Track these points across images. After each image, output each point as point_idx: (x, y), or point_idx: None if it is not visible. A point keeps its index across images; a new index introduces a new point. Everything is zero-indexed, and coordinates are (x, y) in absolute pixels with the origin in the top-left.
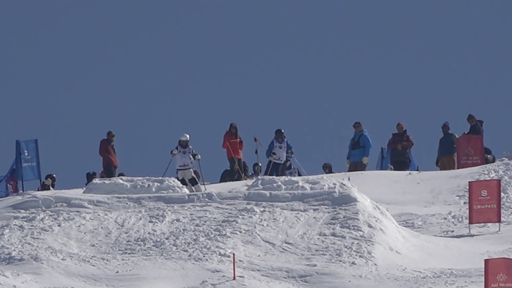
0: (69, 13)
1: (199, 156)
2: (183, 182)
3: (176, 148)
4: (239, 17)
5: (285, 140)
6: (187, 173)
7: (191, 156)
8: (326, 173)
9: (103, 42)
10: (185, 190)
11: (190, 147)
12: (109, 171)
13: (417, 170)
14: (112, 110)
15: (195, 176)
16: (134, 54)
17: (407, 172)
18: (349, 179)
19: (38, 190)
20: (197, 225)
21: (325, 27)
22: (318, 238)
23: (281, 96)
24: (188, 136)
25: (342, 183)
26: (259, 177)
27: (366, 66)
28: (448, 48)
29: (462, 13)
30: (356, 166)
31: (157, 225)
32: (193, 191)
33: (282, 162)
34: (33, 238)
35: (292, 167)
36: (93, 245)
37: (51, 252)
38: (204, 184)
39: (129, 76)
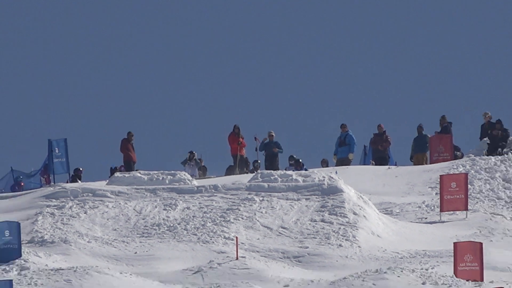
0: (100, 20)
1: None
2: None
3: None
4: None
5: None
6: None
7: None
8: (323, 167)
9: (118, 51)
10: (195, 182)
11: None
12: (128, 166)
13: (395, 165)
14: (131, 113)
15: None
16: (149, 63)
17: (386, 167)
18: (336, 172)
19: (67, 182)
20: (204, 212)
21: (312, 35)
22: (309, 224)
23: (278, 100)
24: None
25: (330, 176)
26: (259, 171)
27: (353, 76)
28: (422, 59)
29: (436, 26)
30: (343, 161)
31: (170, 212)
32: None
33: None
34: (63, 223)
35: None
36: (115, 230)
37: (78, 236)
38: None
39: (146, 84)
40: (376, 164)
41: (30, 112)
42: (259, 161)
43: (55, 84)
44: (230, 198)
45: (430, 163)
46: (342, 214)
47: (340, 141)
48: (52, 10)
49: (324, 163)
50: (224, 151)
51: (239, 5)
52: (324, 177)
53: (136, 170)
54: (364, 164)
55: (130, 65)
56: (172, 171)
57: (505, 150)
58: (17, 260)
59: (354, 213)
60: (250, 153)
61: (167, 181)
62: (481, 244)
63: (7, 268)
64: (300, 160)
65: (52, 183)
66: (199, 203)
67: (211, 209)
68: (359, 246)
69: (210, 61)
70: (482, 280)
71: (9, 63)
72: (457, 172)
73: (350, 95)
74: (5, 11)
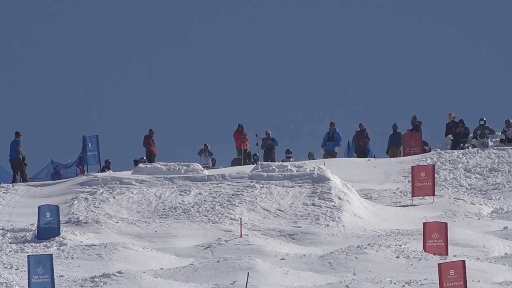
0: (125, 25)
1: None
2: None
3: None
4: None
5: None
6: None
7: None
8: (310, 159)
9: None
10: (205, 172)
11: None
12: (150, 158)
13: (374, 157)
14: (151, 113)
15: None
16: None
17: (366, 159)
18: (324, 164)
19: (98, 172)
20: (214, 197)
21: (300, 41)
22: (302, 207)
23: (275, 103)
24: None
25: (319, 167)
26: (259, 162)
27: (340, 81)
28: (397, 69)
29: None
30: (330, 154)
31: (185, 197)
32: None
33: None
34: (95, 207)
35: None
36: (138, 212)
37: (108, 217)
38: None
39: (165, 89)
40: (358, 157)
41: (67, 112)
42: (258, 154)
43: (89, 89)
44: (235, 185)
45: (403, 156)
46: (329, 199)
47: (329, 137)
48: (85, 13)
49: (311, 156)
50: (230, 145)
51: (259, 19)
52: (314, 167)
53: (156, 162)
54: (348, 157)
55: (153, 74)
56: (187, 163)
57: (466, 145)
58: (56, 238)
59: (339, 198)
60: (252, 148)
61: (182, 171)
62: (446, 224)
63: (48, 244)
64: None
65: (86, 173)
66: (209, 189)
67: (219, 195)
68: (343, 226)
69: (220, 70)
70: (447, 254)
71: (52, 70)
72: (425, 164)
73: (337, 98)
74: (43, 13)
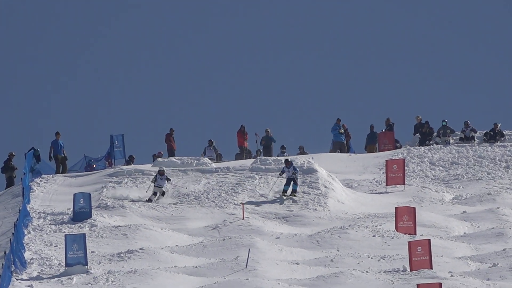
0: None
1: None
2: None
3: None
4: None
5: (292, 165)
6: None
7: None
8: (300, 151)
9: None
10: (213, 165)
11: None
12: (171, 152)
13: (354, 153)
14: (168, 115)
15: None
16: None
17: (348, 154)
18: (312, 158)
19: (124, 165)
20: (220, 186)
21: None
22: (294, 194)
23: (273, 106)
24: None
25: (308, 161)
26: (258, 157)
27: (326, 90)
28: (375, 77)
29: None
30: (340, 144)
31: (196, 186)
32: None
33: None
34: (120, 193)
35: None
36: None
37: (132, 203)
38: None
39: (181, 96)
40: (340, 152)
41: (98, 115)
42: (260, 151)
43: (116, 95)
44: (238, 176)
45: (379, 152)
46: (317, 187)
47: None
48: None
49: (301, 149)
50: (233, 143)
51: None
52: (304, 161)
53: (172, 157)
54: (332, 152)
55: (170, 84)
56: (198, 157)
57: (431, 142)
58: (88, 220)
59: (325, 187)
60: (252, 145)
61: (194, 164)
62: (414, 208)
63: (81, 226)
64: (289, 160)
65: (113, 166)
66: (216, 179)
67: (225, 184)
68: (328, 210)
69: (226, 79)
70: (415, 233)
71: (85, 81)
72: (397, 158)
73: (324, 104)
74: (76, 20)
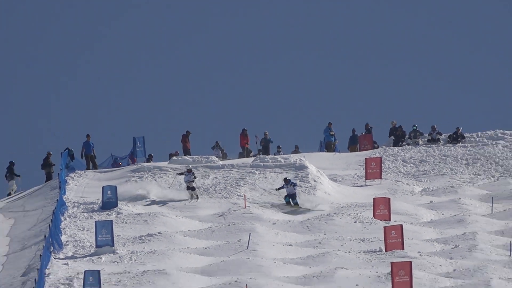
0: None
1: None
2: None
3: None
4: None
5: (290, 182)
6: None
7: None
8: (295, 150)
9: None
10: (220, 162)
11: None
12: (186, 152)
13: (339, 152)
14: (180, 120)
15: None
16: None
17: (333, 153)
18: (304, 156)
19: (144, 162)
20: (226, 180)
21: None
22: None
23: (271, 110)
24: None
25: (300, 159)
26: (258, 156)
27: (313, 96)
28: (354, 88)
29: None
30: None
31: (205, 180)
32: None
33: (293, 192)
34: (141, 187)
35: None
36: (174, 190)
37: (151, 194)
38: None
39: (195, 102)
40: (327, 151)
41: (123, 119)
42: (261, 151)
43: (136, 100)
44: (241, 172)
45: (359, 151)
46: (307, 181)
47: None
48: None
49: (296, 148)
50: (236, 144)
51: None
52: (296, 159)
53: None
54: (320, 152)
55: (181, 92)
56: (207, 156)
57: (403, 143)
58: (115, 208)
59: (314, 181)
60: (252, 145)
61: (203, 162)
62: (389, 199)
63: (109, 213)
64: (287, 178)
65: (136, 163)
66: (222, 174)
67: (230, 178)
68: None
69: (230, 84)
70: (390, 220)
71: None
72: (375, 157)
73: (315, 110)
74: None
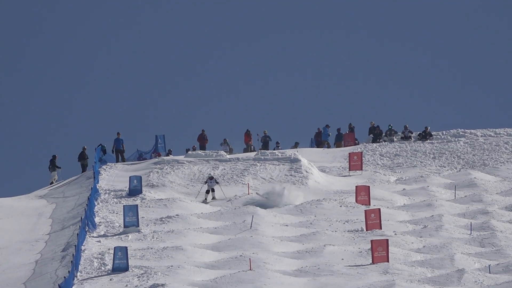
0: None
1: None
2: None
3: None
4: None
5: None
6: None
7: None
8: (295, 146)
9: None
10: (227, 156)
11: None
12: (202, 148)
13: (328, 147)
14: (203, 117)
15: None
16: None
17: (322, 149)
18: (297, 151)
19: (165, 156)
20: (232, 171)
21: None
22: (284, 177)
23: (271, 111)
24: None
25: (294, 153)
26: (259, 151)
27: (304, 99)
28: (342, 91)
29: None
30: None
31: (215, 171)
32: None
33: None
34: (162, 177)
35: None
36: (188, 180)
37: (170, 182)
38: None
39: (206, 105)
40: (317, 147)
41: (146, 121)
42: (261, 148)
43: (157, 102)
44: (245, 164)
45: (344, 147)
46: (300, 172)
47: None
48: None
49: (297, 144)
50: (241, 141)
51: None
52: (291, 154)
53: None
54: (311, 147)
55: (196, 95)
56: (217, 151)
57: (380, 140)
58: (140, 195)
59: (306, 172)
60: (254, 142)
61: (214, 156)
62: (369, 187)
63: (135, 199)
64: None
65: (158, 157)
66: (230, 167)
67: (236, 169)
68: (309, 187)
69: (236, 90)
70: (369, 204)
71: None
72: (357, 151)
73: (309, 110)
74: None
